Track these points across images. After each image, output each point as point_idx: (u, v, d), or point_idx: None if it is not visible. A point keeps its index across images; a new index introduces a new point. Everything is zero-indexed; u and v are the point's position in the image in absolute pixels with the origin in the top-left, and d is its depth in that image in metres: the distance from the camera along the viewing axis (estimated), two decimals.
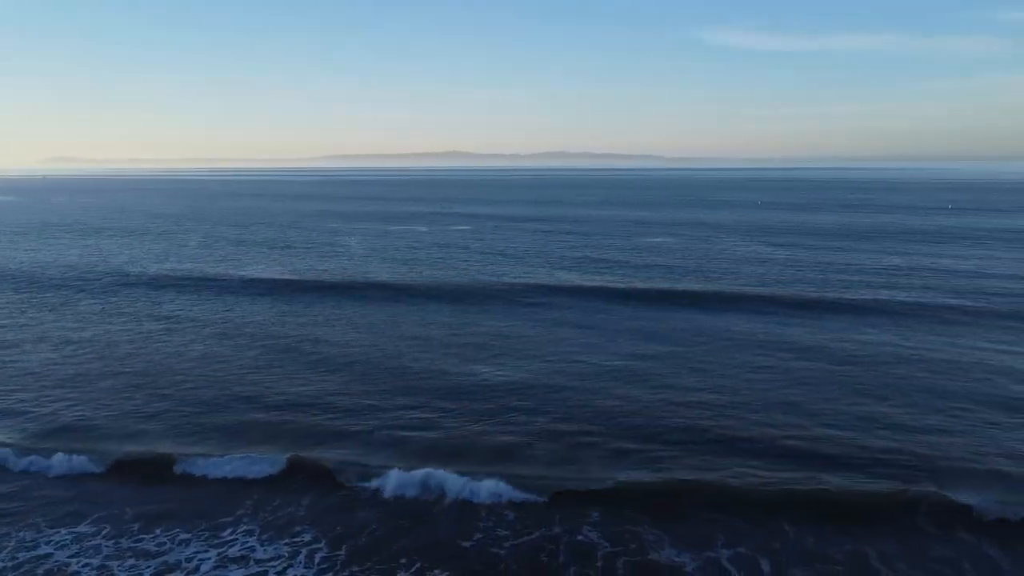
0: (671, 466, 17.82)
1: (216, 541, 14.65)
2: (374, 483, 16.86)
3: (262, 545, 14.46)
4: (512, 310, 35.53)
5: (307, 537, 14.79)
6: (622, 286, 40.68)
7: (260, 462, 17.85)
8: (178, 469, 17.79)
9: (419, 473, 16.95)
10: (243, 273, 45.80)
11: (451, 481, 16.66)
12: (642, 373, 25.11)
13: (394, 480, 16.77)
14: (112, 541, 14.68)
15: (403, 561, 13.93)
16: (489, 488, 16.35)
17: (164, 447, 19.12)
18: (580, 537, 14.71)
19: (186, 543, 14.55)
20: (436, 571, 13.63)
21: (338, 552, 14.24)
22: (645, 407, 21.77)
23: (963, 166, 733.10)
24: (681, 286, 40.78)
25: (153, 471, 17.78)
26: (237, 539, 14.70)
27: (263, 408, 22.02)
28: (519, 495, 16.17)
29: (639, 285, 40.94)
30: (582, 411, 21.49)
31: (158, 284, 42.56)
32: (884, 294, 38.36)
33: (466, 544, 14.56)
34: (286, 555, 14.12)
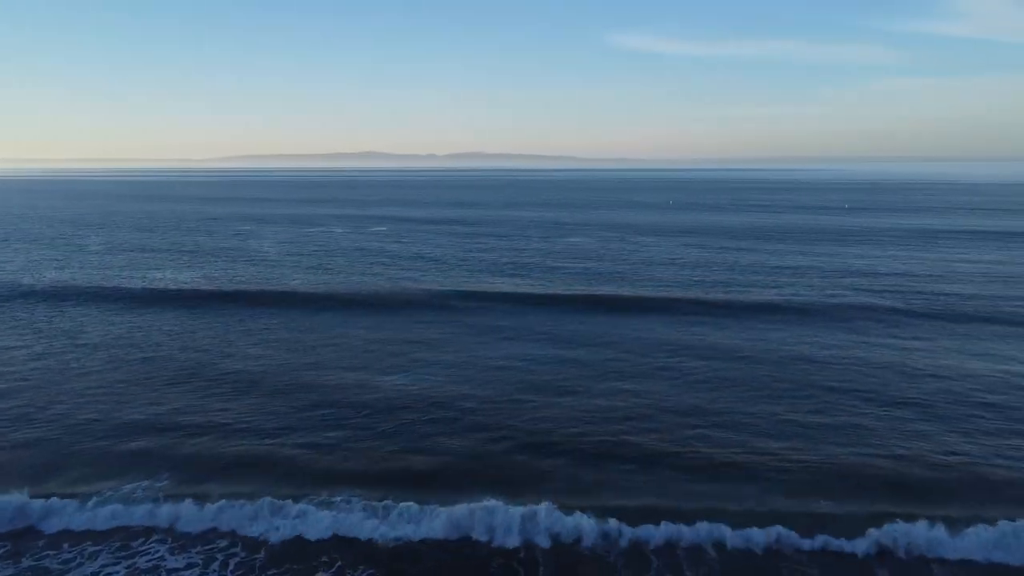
0: (590, 486, 17.74)
1: None
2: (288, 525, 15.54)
3: None
4: (432, 317, 35.29)
5: None
6: (539, 291, 40.90)
7: (142, 503, 16.24)
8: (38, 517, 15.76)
9: (326, 515, 15.68)
10: (146, 282, 43.69)
11: (359, 520, 15.65)
12: (562, 382, 25.25)
13: (316, 521, 15.60)
14: None
15: None
16: (400, 514, 15.79)
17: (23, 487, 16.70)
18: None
19: None
20: None
21: None
22: (561, 419, 21.79)
23: (857, 167, 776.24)
24: (598, 290, 41.45)
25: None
26: None
27: (150, 433, 20.39)
28: (419, 530, 15.43)
29: (557, 291, 41.12)
30: (501, 425, 21.24)
31: (53, 295, 40.02)
32: (789, 294, 40.26)
33: None
34: None
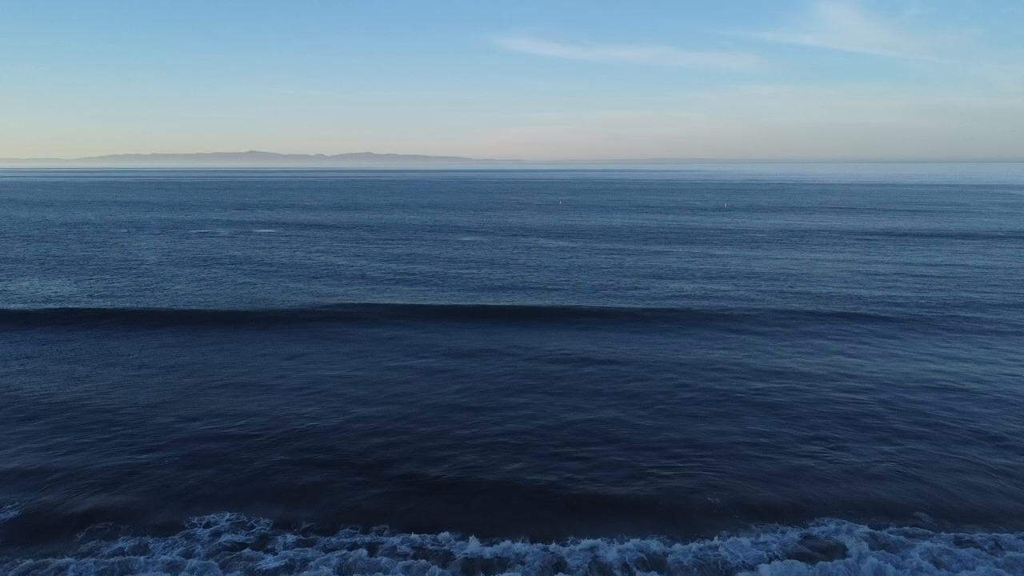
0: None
1: None
2: None
3: None
4: (314, 332, 33.58)
5: None
6: (429, 302, 39.73)
7: None
8: None
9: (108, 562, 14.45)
10: None
11: None
12: (444, 400, 25.08)
13: None
14: None
15: None
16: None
17: None
18: None
19: None
20: None
21: None
22: (440, 441, 21.82)
23: (731, 168, 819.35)
24: (490, 300, 40.99)
25: None
26: None
27: None
28: None
29: (448, 302, 40.09)
30: (352, 452, 20.68)
31: None
32: (671, 295, 41.94)
33: None
34: None
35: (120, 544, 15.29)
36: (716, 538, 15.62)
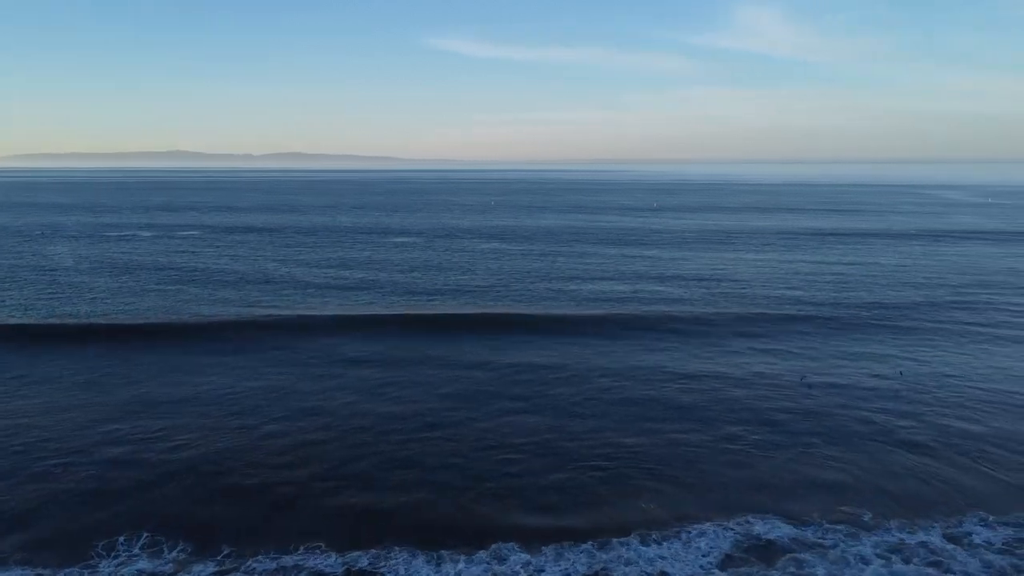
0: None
1: None
2: None
3: None
4: (239, 346, 32.25)
5: None
6: (362, 312, 38.66)
7: None
8: None
9: None
10: None
11: None
12: (378, 416, 24.76)
13: None
14: None
15: None
16: None
17: None
18: None
19: None
20: None
21: None
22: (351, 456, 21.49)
23: (663, 168, 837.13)
24: (421, 307, 40.54)
25: None
26: None
27: None
28: None
29: (380, 311, 39.05)
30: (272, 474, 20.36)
31: None
32: (604, 305, 42.47)
33: None
34: None
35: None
36: (651, 543, 15.87)
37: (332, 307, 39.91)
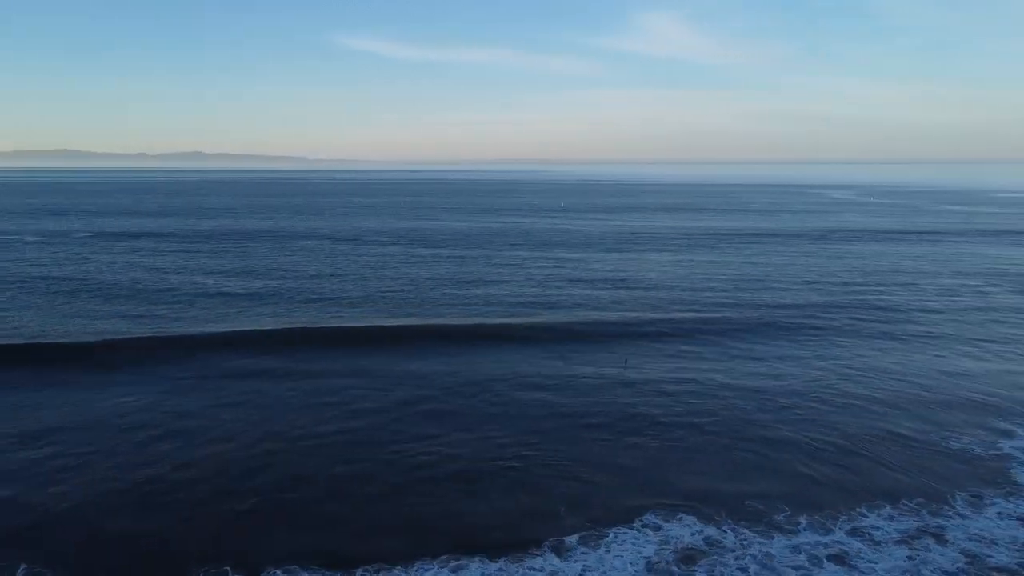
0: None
1: None
2: None
3: None
4: (136, 370, 30.01)
5: None
6: (269, 327, 36.26)
7: None
8: None
9: None
10: None
11: None
12: (292, 436, 24.48)
13: None
14: None
15: None
16: None
17: None
18: None
19: None
20: None
21: None
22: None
23: (570, 169, 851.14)
24: (330, 320, 39.03)
25: None
26: None
27: None
28: None
29: (285, 324, 36.91)
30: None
31: None
32: (511, 311, 43.05)
33: None
34: None
35: None
36: (571, 553, 16.15)
37: (229, 321, 37.73)
